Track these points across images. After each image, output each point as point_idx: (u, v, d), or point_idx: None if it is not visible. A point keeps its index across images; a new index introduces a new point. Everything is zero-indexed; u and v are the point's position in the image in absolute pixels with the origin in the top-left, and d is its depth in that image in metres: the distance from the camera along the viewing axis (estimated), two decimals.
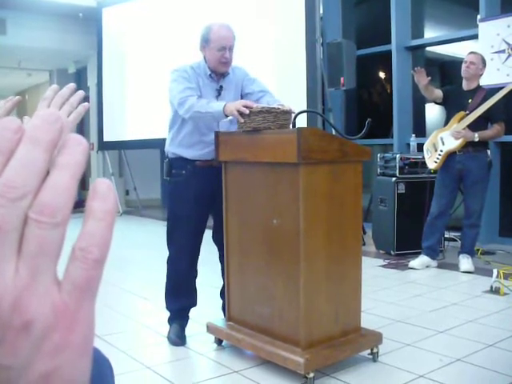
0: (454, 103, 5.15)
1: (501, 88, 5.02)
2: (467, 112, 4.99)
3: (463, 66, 5.09)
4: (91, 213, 0.35)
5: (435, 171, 5.27)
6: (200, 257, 3.50)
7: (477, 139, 4.92)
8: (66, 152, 0.35)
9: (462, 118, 5.01)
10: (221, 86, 3.38)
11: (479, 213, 5.09)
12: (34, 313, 0.34)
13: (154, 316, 3.92)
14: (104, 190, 0.36)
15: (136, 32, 9.03)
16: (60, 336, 0.35)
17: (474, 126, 4.93)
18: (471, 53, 5.15)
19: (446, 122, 5.20)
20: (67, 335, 0.35)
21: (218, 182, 3.23)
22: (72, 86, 1.24)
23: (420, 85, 5.09)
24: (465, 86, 5.14)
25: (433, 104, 5.53)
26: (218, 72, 3.37)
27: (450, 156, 5.06)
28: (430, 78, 5.06)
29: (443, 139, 5.10)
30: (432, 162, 5.18)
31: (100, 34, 9.76)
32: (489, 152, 5.13)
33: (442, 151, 5.09)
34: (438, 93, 5.18)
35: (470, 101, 5.03)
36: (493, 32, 5.95)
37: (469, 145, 4.97)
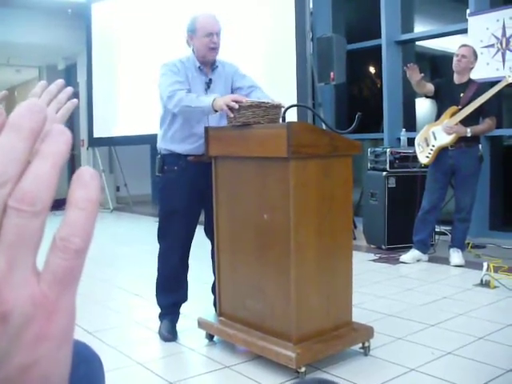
0: (445, 97, 5.13)
1: (493, 82, 5.03)
2: (459, 107, 4.98)
3: (454, 59, 5.08)
4: (73, 202, 0.35)
5: (426, 165, 5.27)
6: (191, 252, 3.49)
7: (469, 134, 4.91)
8: (49, 141, 0.35)
9: (454, 113, 4.99)
10: (210, 79, 3.38)
11: (470, 207, 5.10)
12: (12, 304, 0.33)
13: (145, 312, 3.91)
14: (87, 178, 0.35)
15: (125, 27, 8.99)
16: (39, 327, 0.34)
17: (466, 121, 4.93)
18: (463, 45, 5.14)
19: (438, 116, 5.18)
20: (46, 327, 0.34)
21: (209, 177, 3.22)
22: (60, 82, 1.23)
23: (412, 81, 5.07)
24: (456, 79, 5.13)
25: (423, 98, 5.53)
26: (208, 61, 3.36)
27: (442, 151, 5.05)
28: (423, 74, 5.05)
29: (435, 134, 5.09)
30: (424, 156, 5.17)
31: (89, 30, 9.71)
32: (480, 146, 5.13)
33: (434, 146, 5.08)
34: (430, 86, 5.16)
35: (461, 95, 5.01)
36: (482, 26, 5.97)
37: (461, 140, 4.96)
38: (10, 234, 0.33)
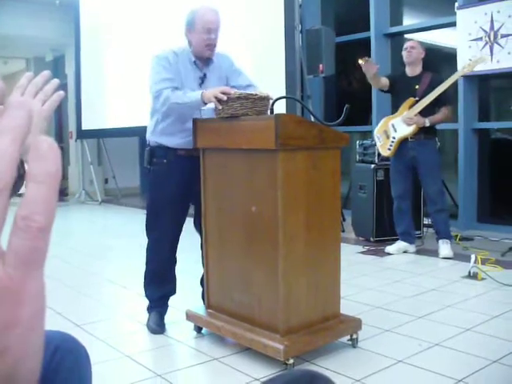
0: (400, 90, 5.22)
1: (480, 76, 5.05)
2: (417, 98, 5.07)
3: (404, 52, 5.21)
4: (31, 176, 0.33)
5: (387, 158, 5.37)
6: (180, 244, 3.48)
7: (428, 124, 5.01)
8: (7, 115, 0.33)
9: (412, 105, 5.09)
10: (204, 74, 3.34)
11: (441, 196, 5.20)
12: None
13: (133, 304, 3.90)
14: (44, 149, 0.33)
15: (114, 19, 8.93)
16: (7, 312, 0.33)
17: (423, 112, 5.03)
18: (409, 40, 5.32)
19: (394, 109, 5.28)
20: (15, 310, 0.33)
21: (198, 170, 3.21)
22: (46, 73, 1.22)
23: (368, 74, 5.12)
24: (409, 71, 5.24)
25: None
26: (203, 57, 3.32)
27: (403, 143, 5.15)
28: (378, 66, 5.12)
29: (395, 126, 5.18)
30: (385, 149, 5.27)
31: (77, 21, 9.65)
32: (437, 139, 5.21)
33: (394, 138, 5.18)
34: (384, 81, 5.25)
35: (416, 87, 5.12)
36: (470, 20, 5.97)
37: (420, 132, 5.06)
38: None
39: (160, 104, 3.18)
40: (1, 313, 0.32)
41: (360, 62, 5.03)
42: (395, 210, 5.36)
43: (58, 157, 0.33)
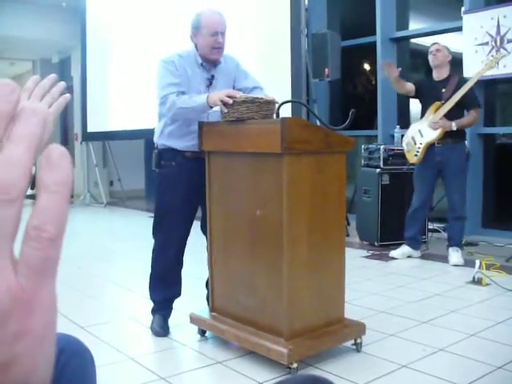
0: (427, 94, 5.12)
1: (487, 80, 5.03)
2: (442, 102, 4.98)
3: (430, 56, 5.11)
4: (43, 185, 0.33)
5: (414, 164, 5.25)
6: (187, 247, 3.47)
7: (455, 128, 4.90)
8: (20, 123, 0.33)
9: (438, 108, 4.99)
10: (212, 76, 3.34)
11: (461, 204, 5.09)
12: None
13: (138, 307, 3.91)
14: (56, 157, 0.33)
15: (120, 21, 8.96)
16: (18, 322, 0.32)
17: (450, 115, 4.92)
18: (434, 43, 5.18)
19: (422, 114, 5.18)
20: (26, 321, 0.33)
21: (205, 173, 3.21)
22: (53, 76, 1.22)
23: (391, 78, 5.06)
24: (436, 75, 5.14)
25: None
26: (210, 60, 3.32)
27: (429, 148, 5.04)
28: (400, 69, 5.04)
29: (421, 131, 5.08)
30: (412, 156, 5.16)
31: (84, 24, 9.67)
32: (466, 143, 5.13)
33: (421, 144, 5.07)
34: (410, 86, 5.16)
35: (443, 90, 5.01)
36: (477, 24, 5.97)
37: (447, 136, 4.95)
38: None
39: (166, 109, 3.19)
40: (12, 323, 0.32)
41: (381, 64, 4.97)
42: (410, 214, 5.27)
43: (69, 165, 0.33)
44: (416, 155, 5.12)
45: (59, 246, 0.33)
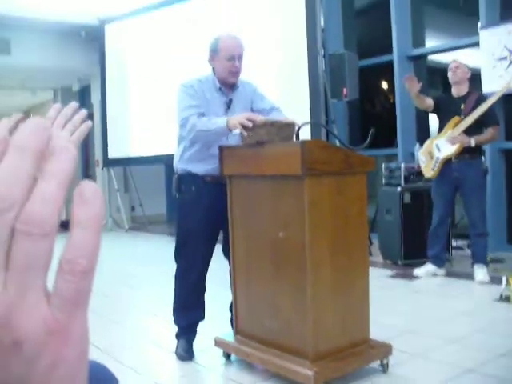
0: (446, 110, 5.10)
1: (505, 96, 5.00)
2: (462, 117, 4.96)
3: (449, 73, 5.10)
4: (76, 220, 0.34)
5: (430, 179, 5.24)
6: (209, 271, 3.48)
7: (473, 144, 4.87)
8: (53, 160, 0.34)
9: (456, 124, 4.97)
10: (230, 100, 3.37)
11: (482, 220, 5.04)
12: (24, 330, 0.32)
13: (162, 331, 3.91)
14: (88, 194, 0.34)
15: (139, 47, 9.07)
16: (53, 353, 0.34)
17: (469, 131, 4.90)
18: (453, 60, 5.18)
19: (440, 130, 5.16)
20: (61, 351, 0.34)
21: (226, 196, 3.22)
22: (74, 105, 1.24)
23: (412, 93, 5.06)
24: (455, 92, 5.12)
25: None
26: (228, 83, 3.36)
27: (446, 164, 5.01)
28: (421, 83, 5.04)
29: (439, 146, 5.06)
30: (429, 170, 5.15)
31: (103, 52, 9.81)
32: (483, 159, 5.10)
33: (438, 158, 5.05)
34: (429, 101, 5.15)
35: (462, 106, 5.00)
36: (494, 39, 5.96)
37: (465, 152, 4.92)
38: (19, 258, 0.32)
39: (187, 131, 3.21)
40: (47, 354, 0.33)
41: (404, 79, 5.00)
42: (431, 232, 5.22)
43: (101, 201, 0.34)
44: (433, 169, 5.10)
45: (91, 278, 0.34)
